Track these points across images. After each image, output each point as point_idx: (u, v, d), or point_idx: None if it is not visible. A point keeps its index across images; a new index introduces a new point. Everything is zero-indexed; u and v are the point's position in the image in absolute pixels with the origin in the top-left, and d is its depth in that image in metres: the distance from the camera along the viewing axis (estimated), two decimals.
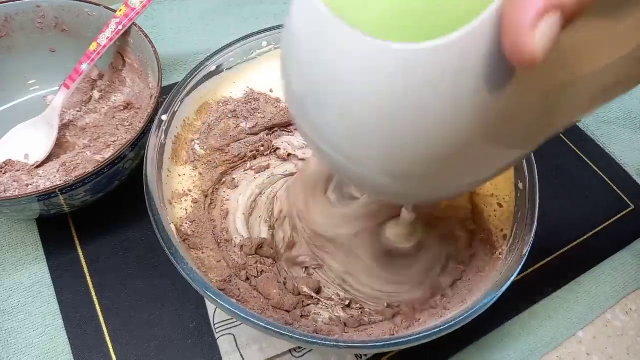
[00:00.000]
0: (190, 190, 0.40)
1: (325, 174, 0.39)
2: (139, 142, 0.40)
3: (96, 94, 0.50)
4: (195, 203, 0.40)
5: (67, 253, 0.43)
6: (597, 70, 0.22)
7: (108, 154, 0.45)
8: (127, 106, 0.49)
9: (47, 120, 0.46)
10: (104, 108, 0.50)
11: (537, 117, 0.22)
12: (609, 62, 0.22)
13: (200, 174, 0.41)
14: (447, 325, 0.31)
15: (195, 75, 0.41)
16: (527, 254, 0.34)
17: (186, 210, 0.39)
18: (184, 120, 0.41)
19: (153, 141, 0.37)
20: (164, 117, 0.38)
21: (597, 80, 0.23)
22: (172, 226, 0.35)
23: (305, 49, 0.20)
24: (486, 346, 0.41)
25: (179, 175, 0.40)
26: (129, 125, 0.47)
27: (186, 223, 0.38)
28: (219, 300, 0.30)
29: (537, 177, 0.37)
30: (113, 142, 0.46)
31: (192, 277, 0.31)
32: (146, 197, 0.34)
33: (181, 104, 0.40)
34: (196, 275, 0.31)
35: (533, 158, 0.38)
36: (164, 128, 0.38)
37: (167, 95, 0.40)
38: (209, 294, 0.30)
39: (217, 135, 0.43)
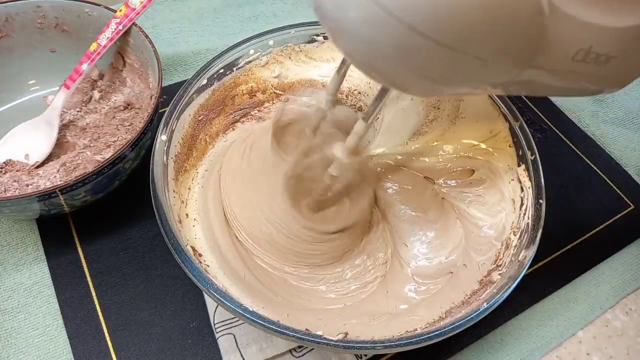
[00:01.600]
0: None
1: None
2: (139, 142, 0.40)
3: (96, 94, 0.50)
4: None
5: (67, 253, 0.43)
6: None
7: (108, 154, 0.45)
8: (127, 106, 0.49)
9: (47, 121, 0.46)
10: (104, 108, 0.50)
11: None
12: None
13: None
14: (448, 328, 0.31)
15: (190, 90, 0.41)
16: (529, 263, 0.34)
17: (193, 225, 0.39)
18: (182, 138, 0.41)
19: (158, 161, 0.37)
20: (164, 137, 0.38)
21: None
22: (189, 247, 0.35)
23: None
24: (486, 346, 0.41)
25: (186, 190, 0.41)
26: (129, 125, 0.47)
27: (198, 239, 0.39)
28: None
29: (544, 194, 0.38)
30: (113, 142, 0.46)
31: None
32: (160, 222, 0.34)
33: (177, 121, 0.40)
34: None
35: (543, 185, 0.38)
36: (165, 148, 0.38)
37: (167, 95, 0.40)
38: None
39: None
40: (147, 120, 0.40)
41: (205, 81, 0.42)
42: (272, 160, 0.40)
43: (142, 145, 0.41)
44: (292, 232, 0.38)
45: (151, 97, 0.46)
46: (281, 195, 0.39)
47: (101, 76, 0.51)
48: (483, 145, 0.44)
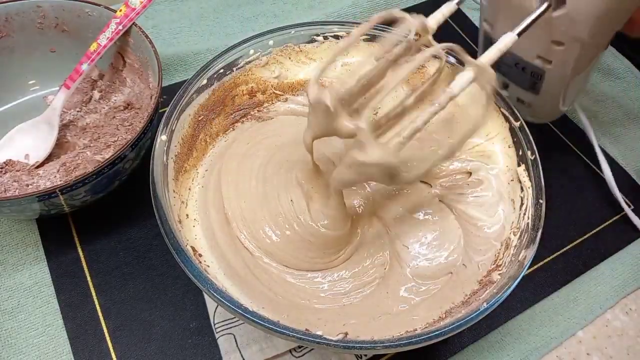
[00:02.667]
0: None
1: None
2: (139, 142, 0.40)
3: (96, 94, 0.50)
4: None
5: (67, 253, 0.43)
6: None
7: (108, 154, 0.45)
8: (127, 106, 0.49)
9: (48, 121, 0.46)
10: (104, 108, 0.50)
11: None
12: None
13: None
14: (448, 328, 0.31)
15: (190, 90, 0.41)
16: (529, 263, 0.34)
17: (194, 225, 0.39)
18: (182, 139, 0.41)
19: (158, 161, 0.37)
20: (164, 137, 0.38)
21: None
22: (189, 247, 0.35)
23: None
24: (486, 346, 0.41)
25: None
26: (129, 125, 0.47)
27: (198, 239, 0.39)
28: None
29: (544, 194, 0.38)
30: (113, 142, 0.46)
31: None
32: (160, 222, 0.33)
33: (177, 121, 0.40)
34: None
35: (542, 181, 0.38)
36: (165, 148, 0.38)
37: (167, 95, 0.40)
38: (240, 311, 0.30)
39: None
40: (147, 120, 0.40)
41: (205, 81, 0.42)
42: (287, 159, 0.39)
43: (142, 145, 0.41)
44: (297, 234, 0.38)
45: (151, 97, 0.46)
46: (295, 195, 0.39)
47: (101, 76, 0.51)
48: (479, 148, 0.44)
